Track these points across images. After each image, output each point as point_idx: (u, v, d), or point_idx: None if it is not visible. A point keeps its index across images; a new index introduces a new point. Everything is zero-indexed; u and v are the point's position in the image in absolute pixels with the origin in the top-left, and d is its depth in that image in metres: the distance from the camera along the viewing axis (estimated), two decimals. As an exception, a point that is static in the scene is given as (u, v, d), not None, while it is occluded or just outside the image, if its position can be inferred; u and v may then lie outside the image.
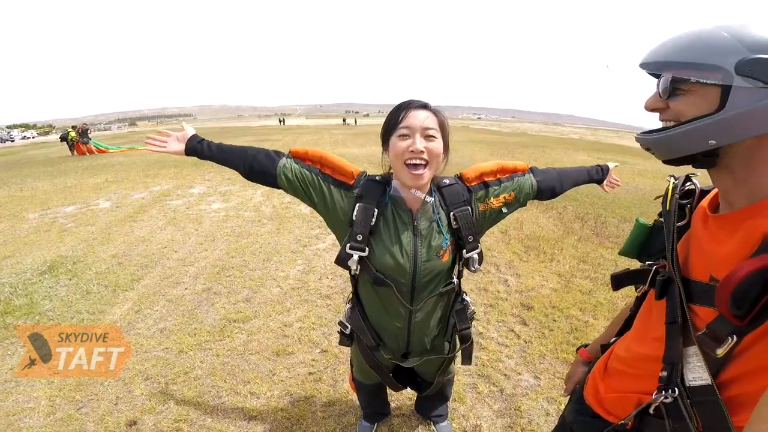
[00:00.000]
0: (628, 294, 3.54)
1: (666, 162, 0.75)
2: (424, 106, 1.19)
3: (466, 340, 1.53)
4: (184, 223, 5.65)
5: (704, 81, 0.64)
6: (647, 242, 0.95)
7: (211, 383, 2.40)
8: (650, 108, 0.75)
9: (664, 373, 0.78)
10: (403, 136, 1.16)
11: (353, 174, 1.31)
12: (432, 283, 1.33)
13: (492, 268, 4.16)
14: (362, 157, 13.19)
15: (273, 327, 3.01)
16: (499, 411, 2.22)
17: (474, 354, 2.67)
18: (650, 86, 0.75)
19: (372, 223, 1.25)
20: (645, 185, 10.33)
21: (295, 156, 1.35)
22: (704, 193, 0.85)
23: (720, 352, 0.66)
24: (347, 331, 1.50)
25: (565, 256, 4.61)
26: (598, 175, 1.60)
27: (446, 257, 1.31)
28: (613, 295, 3.60)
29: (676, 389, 0.76)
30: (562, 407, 2.20)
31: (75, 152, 15.58)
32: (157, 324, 3.04)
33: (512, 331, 3.00)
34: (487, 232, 1.44)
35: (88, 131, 16.11)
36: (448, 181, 1.33)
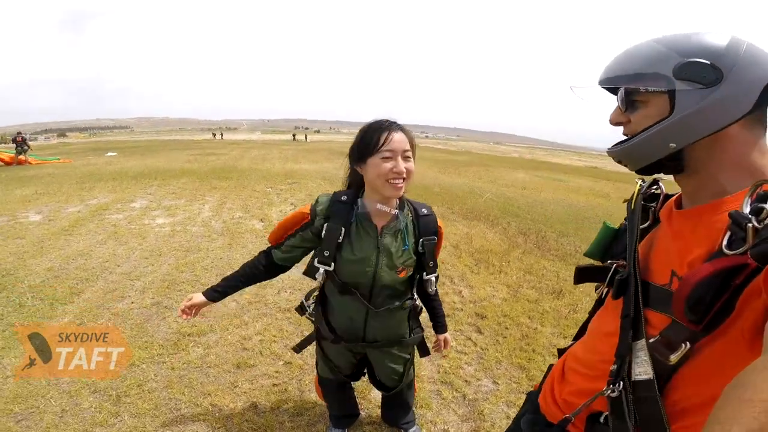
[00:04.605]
0: (572, 303, 3.87)
1: (638, 171, 0.81)
2: (400, 128, 1.33)
3: (418, 339, 1.74)
4: (126, 237, 5.29)
5: (653, 89, 0.71)
6: (612, 245, 0.96)
7: (167, 396, 2.29)
8: (614, 122, 0.80)
9: (614, 367, 0.78)
10: (387, 159, 1.28)
11: (304, 214, 1.46)
12: (388, 289, 1.50)
13: (447, 280, 4.32)
14: (314, 173, 13.12)
15: (231, 340, 2.92)
16: (463, 415, 2.31)
17: (436, 361, 2.77)
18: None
19: (339, 240, 1.40)
20: (579, 201, 11.24)
21: (275, 243, 1.54)
22: (669, 197, 0.87)
23: (673, 358, 0.67)
24: (309, 311, 1.68)
25: (512, 267, 4.91)
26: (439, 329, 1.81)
27: (403, 274, 1.48)
28: (557, 304, 3.89)
29: (621, 383, 0.76)
30: (520, 409, 2.36)
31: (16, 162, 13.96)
32: (103, 339, 2.85)
33: (469, 339, 3.14)
34: None
35: (26, 140, 14.69)
36: (426, 211, 1.50)
